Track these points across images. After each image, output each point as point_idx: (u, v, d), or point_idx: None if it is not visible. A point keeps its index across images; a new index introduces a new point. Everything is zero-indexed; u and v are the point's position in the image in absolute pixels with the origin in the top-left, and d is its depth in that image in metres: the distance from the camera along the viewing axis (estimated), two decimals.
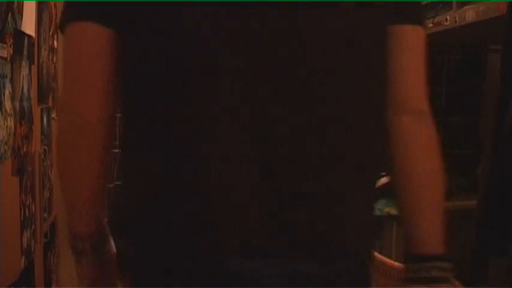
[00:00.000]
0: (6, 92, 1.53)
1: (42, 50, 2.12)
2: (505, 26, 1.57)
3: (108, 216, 0.98)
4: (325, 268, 0.92)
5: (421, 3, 1.05)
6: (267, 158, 0.91)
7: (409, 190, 0.99)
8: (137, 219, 0.92)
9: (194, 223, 0.89)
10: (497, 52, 2.26)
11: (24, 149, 1.76)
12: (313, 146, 0.92)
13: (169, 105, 0.93)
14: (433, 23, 2.12)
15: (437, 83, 2.76)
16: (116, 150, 0.94)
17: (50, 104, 2.31)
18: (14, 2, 1.63)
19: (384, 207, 2.24)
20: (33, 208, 1.94)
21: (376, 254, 1.62)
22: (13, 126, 1.61)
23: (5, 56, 1.53)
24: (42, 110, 2.09)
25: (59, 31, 1.04)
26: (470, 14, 1.86)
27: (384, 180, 2.29)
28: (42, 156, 2.12)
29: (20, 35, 1.71)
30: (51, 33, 2.28)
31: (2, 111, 1.48)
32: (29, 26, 1.82)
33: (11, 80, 1.59)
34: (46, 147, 2.18)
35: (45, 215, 2.21)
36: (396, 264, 1.58)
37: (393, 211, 2.23)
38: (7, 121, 1.53)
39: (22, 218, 1.75)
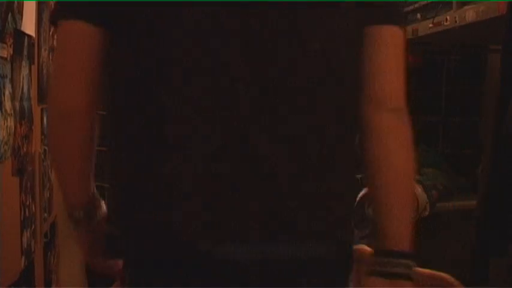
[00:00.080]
0: (6, 92, 1.53)
1: (42, 50, 2.12)
2: (505, 26, 1.57)
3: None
4: (303, 252, 0.94)
5: (401, 5, 1.08)
6: (247, 148, 0.93)
7: (382, 186, 1.01)
8: (122, 205, 0.98)
9: (169, 211, 0.93)
10: (497, 52, 2.26)
11: (24, 149, 1.76)
12: (296, 134, 0.95)
13: (163, 105, 0.95)
14: (433, 23, 2.12)
15: (437, 83, 2.76)
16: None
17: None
18: (14, 2, 1.63)
19: None
20: (33, 208, 1.94)
21: None
22: (13, 126, 1.61)
23: (5, 56, 1.53)
24: (42, 110, 2.08)
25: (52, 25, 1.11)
26: (470, 14, 1.85)
27: None
28: (42, 156, 2.12)
29: (20, 35, 1.71)
30: (51, 33, 2.28)
31: (2, 111, 1.48)
32: (29, 26, 1.82)
33: (11, 80, 1.59)
34: (46, 147, 2.18)
35: (45, 215, 2.21)
36: None
37: None
38: (7, 121, 1.54)
39: (22, 218, 1.75)
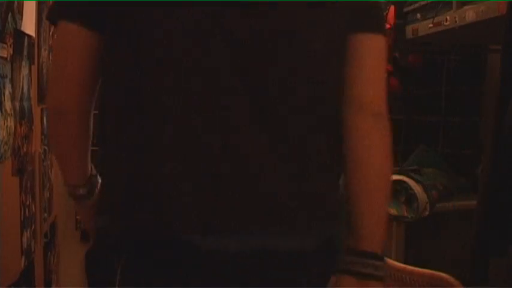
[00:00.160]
0: (6, 92, 1.53)
1: (42, 50, 2.12)
2: (505, 26, 1.57)
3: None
4: (290, 244, 0.97)
5: (382, 12, 1.14)
6: (247, 148, 0.95)
7: (359, 187, 1.04)
8: (112, 195, 1.02)
9: (156, 201, 0.96)
10: (497, 52, 2.27)
11: (24, 149, 1.76)
12: (294, 133, 0.98)
13: (163, 105, 0.96)
14: (433, 23, 2.12)
15: (437, 83, 2.76)
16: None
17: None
18: (14, 2, 1.63)
19: None
20: (33, 208, 1.94)
21: None
22: (13, 126, 1.61)
23: (5, 56, 1.53)
24: (42, 110, 2.09)
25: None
26: (470, 14, 1.86)
27: None
28: (42, 156, 2.12)
29: (20, 35, 1.71)
30: (51, 33, 2.28)
31: (2, 111, 1.48)
32: (29, 26, 1.82)
33: (11, 80, 1.59)
34: (46, 147, 2.18)
35: (45, 215, 2.21)
36: (396, 264, 1.58)
37: (393, 211, 2.23)
38: (7, 121, 1.54)
39: (22, 218, 1.75)
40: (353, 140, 1.03)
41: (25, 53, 1.79)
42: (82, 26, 0.99)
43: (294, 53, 0.98)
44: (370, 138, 1.03)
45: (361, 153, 1.03)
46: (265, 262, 0.97)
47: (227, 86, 0.95)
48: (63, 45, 1.03)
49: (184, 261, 0.96)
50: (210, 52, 0.95)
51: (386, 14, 2.44)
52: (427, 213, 2.24)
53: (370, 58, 1.04)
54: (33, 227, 1.92)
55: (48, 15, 1.08)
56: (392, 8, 2.43)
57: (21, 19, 1.71)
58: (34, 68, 1.95)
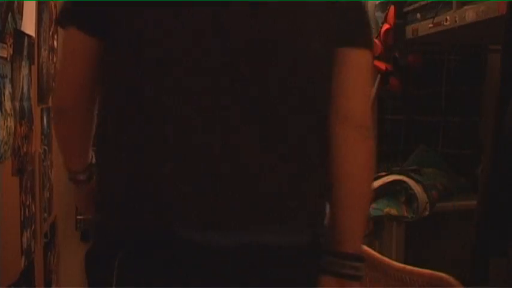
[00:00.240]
0: (6, 92, 1.53)
1: (42, 50, 2.12)
2: (505, 26, 1.57)
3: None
4: (290, 243, 1.01)
5: (371, 28, 1.18)
6: (247, 148, 0.97)
7: (341, 194, 1.08)
8: (108, 192, 1.05)
9: (156, 200, 0.98)
10: (497, 52, 2.27)
11: (24, 149, 1.76)
12: (293, 133, 1.01)
13: (163, 105, 0.97)
14: (433, 23, 2.12)
15: (437, 83, 2.76)
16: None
17: (50, 104, 2.31)
18: (14, 2, 1.63)
19: (383, 207, 2.24)
20: (33, 208, 1.94)
21: (376, 253, 1.62)
22: (13, 126, 1.61)
23: (5, 56, 1.53)
24: (42, 110, 2.09)
25: (59, 29, 1.27)
26: (470, 14, 1.85)
27: (383, 180, 2.30)
28: (42, 156, 2.12)
29: (20, 35, 1.71)
30: (51, 33, 2.28)
31: (2, 111, 1.48)
32: (29, 26, 1.82)
33: (11, 80, 1.59)
34: (46, 147, 2.18)
35: (45, 215, 2.21)
36: (396, 264, 1.58)
37: (393, 211, 2.23)
38: (7, 121, 1.54)
39: (22, 218, 1.75)
40: (337, 149, 1.06)
41: (25, 53, 1.79)
42: (88, 35, 1.04)
43: (294, 52, 0.99)
44: (353, 148, 1.07)
45: (344, 162, 1.06)
46: (265, 260, 0.99)
47: (227, 86, 0.96)
48: (70, 49, 1.10)
49: (184, 260, 0.97)
50: (210, 52, 0.95)
51: (387, 14, 2.44)
52: (427, 213, 2.24)
53: (356, 72, 1.07)
54: (33, 227, 1.92)
55: (59, 18, 1.13)
56: (392, 8, 2.42)
57: (21, 19, 1.71)
58: (34, 68, 1.95)
